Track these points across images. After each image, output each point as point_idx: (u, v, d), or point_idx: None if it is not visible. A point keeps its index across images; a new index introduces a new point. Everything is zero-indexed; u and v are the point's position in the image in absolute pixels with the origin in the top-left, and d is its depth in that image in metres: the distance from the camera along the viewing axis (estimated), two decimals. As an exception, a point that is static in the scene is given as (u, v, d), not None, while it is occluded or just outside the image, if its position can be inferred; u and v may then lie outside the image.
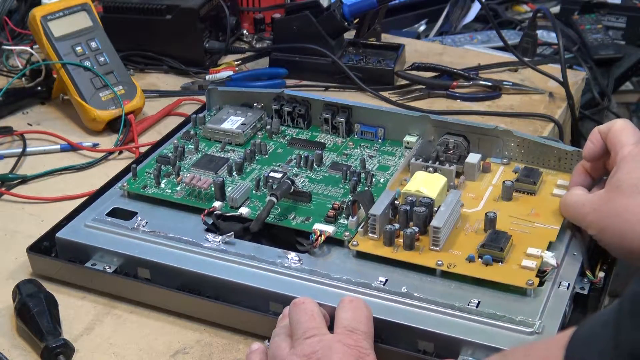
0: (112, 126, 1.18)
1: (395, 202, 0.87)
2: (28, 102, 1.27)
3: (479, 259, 0.81)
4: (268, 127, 1.05)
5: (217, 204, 0.90)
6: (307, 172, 0.97)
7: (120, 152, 1.14)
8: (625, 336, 0.46)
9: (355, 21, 1.33)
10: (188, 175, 0.94)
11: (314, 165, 0.98)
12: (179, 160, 1.00)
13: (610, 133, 0.84)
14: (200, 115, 1.08)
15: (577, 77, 1.33)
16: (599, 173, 0.88)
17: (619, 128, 0.83)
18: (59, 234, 0.90)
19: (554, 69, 1.31)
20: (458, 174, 0.94)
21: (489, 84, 1.27)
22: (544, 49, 1.57)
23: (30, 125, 1.22)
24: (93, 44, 1.21)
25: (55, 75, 1.24)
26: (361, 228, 0.86)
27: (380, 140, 1.03)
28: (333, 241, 0.85)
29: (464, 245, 0.83)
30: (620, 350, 0.46)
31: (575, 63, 1.51)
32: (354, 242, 0.84)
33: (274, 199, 0.88)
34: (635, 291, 0.47)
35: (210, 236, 0.87)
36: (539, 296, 0.78)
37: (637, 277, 0.47)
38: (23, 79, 1.26)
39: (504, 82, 1.27)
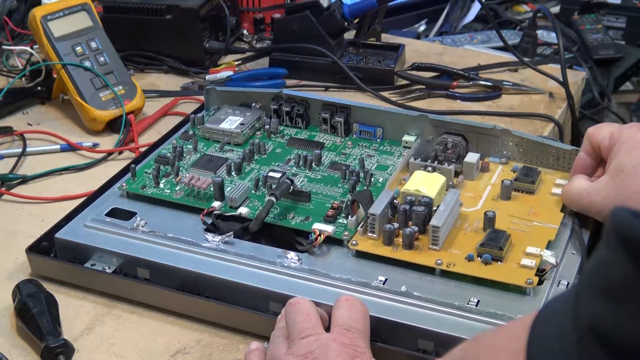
0: (112, 126, 1.18)
1: (395, 201, 0.87)
2: (28, 102, 1.27)
3: (478, 258, 0.81)
4: (267, 126, 1.05)
5: (216, 203, 0.90)
6: (306, 172, 0.97)
7: (121, 152, 1.14)
8: (584, 309, 0.45)
9: (355, 21, 1.33)
10: (187, 175, 0.94)
11: (313, 164, 0.98)
12: (177, 160, 1.00)
13: (589, 141, 0.86)
14: (199, 115, 1.08)
15: (577, 77, 1.32)
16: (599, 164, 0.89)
17: (590, 132, 0.86)
18: (58, 234, 0.90)
19: (554, 69, 1.31)
20: (457, 173, 0.95)
21: (489, 84, 1.27)
22: (544, 49, 1.57)
23: (30, 125, 1.22)
24: (93, 44, 1.21)
25: (55, 75, 1.24)
26: (360, 227, 0.86)
27: (378, 140, 1.03)
28: (332, 241, 0.85)
29: (463, 245, 0.83)
30: (579, 322, 0.45)
31: (575, 63, 1.51)
32: (354, 242, 0.84)
33: (273, 199, 0.88)
34: (593, 264, 0.46)
35: (209, 236, 0.87)
36: (538, 295, 0.78)
37: (594, 253, 0.47)
38: (23, 79, 1.26)
39: (504, 82, 1.27)
